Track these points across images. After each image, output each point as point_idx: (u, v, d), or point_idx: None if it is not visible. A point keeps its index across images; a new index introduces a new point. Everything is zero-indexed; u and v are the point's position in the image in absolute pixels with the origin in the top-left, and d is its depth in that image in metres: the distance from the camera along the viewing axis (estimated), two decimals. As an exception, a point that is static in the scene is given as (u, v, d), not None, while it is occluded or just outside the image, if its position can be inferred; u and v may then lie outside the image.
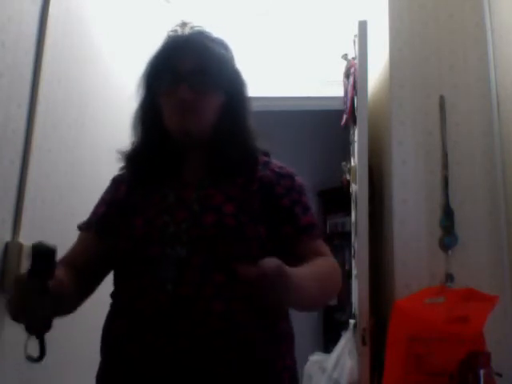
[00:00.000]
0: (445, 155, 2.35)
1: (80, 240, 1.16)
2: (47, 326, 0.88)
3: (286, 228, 1.09)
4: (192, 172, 1.12)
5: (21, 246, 1.50)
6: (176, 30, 1.16)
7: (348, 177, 2.72)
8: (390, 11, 2.51)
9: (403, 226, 2.31)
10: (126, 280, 1.05)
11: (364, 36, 2.41)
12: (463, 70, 2.44)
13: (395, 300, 2.17)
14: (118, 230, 1.08)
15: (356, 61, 2.50)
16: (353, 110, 2.57)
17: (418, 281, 2.23)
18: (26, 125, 1.58)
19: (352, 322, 2.39)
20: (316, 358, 2.58)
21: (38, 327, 0.87)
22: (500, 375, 1.86)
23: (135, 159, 1.15)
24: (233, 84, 1.14)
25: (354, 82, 2.51)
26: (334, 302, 3.95)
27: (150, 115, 1.14)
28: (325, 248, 1.12)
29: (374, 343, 2.20)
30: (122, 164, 1.17)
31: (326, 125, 3.90)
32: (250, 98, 1.17)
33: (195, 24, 1.17)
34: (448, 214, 2.28)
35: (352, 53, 2.62)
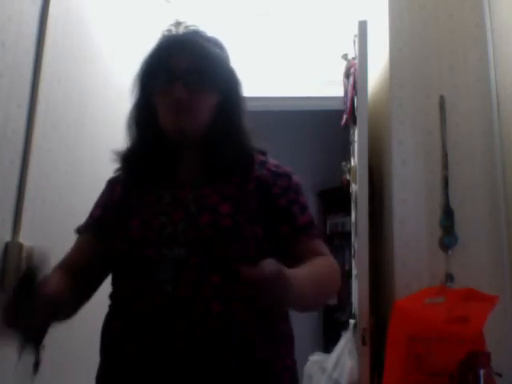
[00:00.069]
0: (445, 155, 2.35)
1: (77, 243, 1.15)
2: (39, 339, 0.88)
3: (284, 228, 1.08)
4: (187, 172, 1.12)
5: (21, 246, 1.50)
6: (170, 30, 1.16)
7: (348, 177, 2.72)
8: (390, 11, 2.51)
9: (403, 226, 2.31)
10: (124, 281, 1.05)
11: (364, 36, 2.41)
12: (463, 70, 2.44)
13: (395, 300, 2.17)
14: (114, 231, 1.07)
15: (356, 61, 2.50)
16: (353, 110, 2.57)
17: (418, 281, 2.23)
18: (26, 125, 1.58)
19: (352, 321, 2.39)
20: (316, 358, 2.58)
21: (29, 339, 0.87)
22: (500, 375, 1.86)
23: (130, 159, 1.14)
24: (228, 83, 1.13)
25: (354, 82, 2.51)
26: (333, 301, 3.95)
27: (144, 115, 1.13)
28: (323, 247, 1.11)
29: (374, 343, 2.20)
30: (117, 165, 1.16)
31: (326, 125, 3.89)
32: (246, 97, 1.17)
33: (190, 23, 1.17)
34: (448, 214, 2.28)
35: (352, 53, 2.62)
